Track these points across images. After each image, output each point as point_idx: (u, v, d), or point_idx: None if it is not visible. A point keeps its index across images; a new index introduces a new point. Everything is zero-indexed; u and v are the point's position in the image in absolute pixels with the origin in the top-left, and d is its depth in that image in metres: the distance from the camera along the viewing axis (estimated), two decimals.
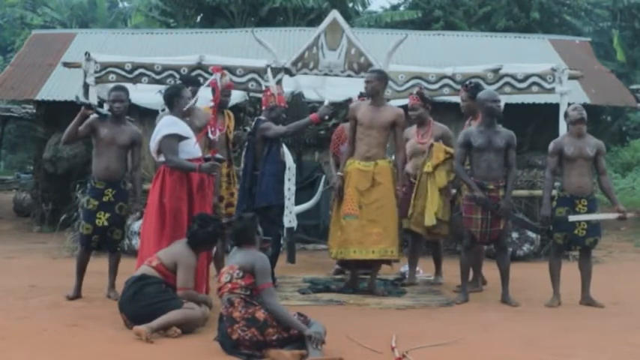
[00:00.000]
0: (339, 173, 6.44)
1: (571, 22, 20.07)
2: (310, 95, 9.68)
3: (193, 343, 4.62)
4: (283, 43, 12.14)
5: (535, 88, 8.01)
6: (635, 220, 11.62)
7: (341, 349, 4.43)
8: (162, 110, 6.20)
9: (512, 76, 7.91)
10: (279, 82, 7.35)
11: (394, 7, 21.76)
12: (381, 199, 6.14)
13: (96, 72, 7.60)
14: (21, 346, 4.54)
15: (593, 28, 20.67)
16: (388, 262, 6.36)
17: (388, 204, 6.17)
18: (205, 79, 6.92)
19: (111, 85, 6.61)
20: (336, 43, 7.67)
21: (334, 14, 7.83)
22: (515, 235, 8.62)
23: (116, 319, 5.03)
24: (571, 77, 8.30)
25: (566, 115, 6.22)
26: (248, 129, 6.87)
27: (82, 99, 6.37)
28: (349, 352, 4.41)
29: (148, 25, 19.75)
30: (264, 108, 6.56)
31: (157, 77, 7.59)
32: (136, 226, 8.13)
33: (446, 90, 7.93)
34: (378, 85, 6.23)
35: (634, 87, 15.05)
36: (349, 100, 7.05)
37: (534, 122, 11.54)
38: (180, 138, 5.42)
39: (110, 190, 5.88)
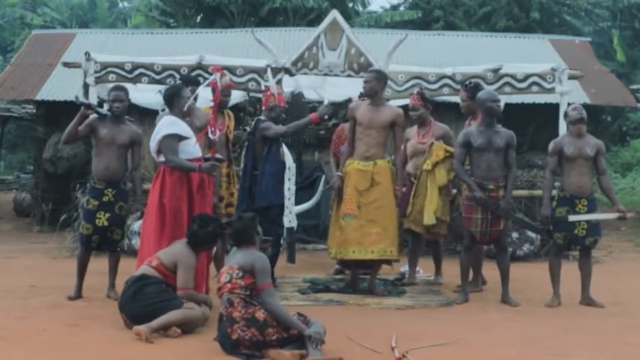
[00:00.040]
0: (338, 173, 6.45)
1: (571, 22, 20.07)
2: (310, 95, 9.68)
3: (193, 343, 4.62)
4: (283, 43, 12.14)
5: (535, 88, 8.00)
6: (635, 220, 11.62)
7: (341, 349, 4.43)
8: (162, 110, 6.20)
9: (512, 76, 7.91)
10: (279, 82, 7.34)
11: (394, 7, 21.76)
12: (380, 199, 6.14)
13: (96, 72, 7.61)
14: (21, 346, 4.54)
15: (593, 28, 20.67)
16: (388, 262, 6.36)
17: (387, 204, 6.16)
18: (205, 79, 6.92)
19: (111, 85, 6.61)
20: (336, 43, 7.67)
21: (334, 14, 7.83)
22: (515, 235, 8.62)
23: (116, 319, 5.03)
24: (571, 77, 8.31)
25: (566, 115, 6.22)
26: (248, 129, 6.87)
27: (82, 99, 6.37)
28: (349, 352, 4.41)
29: (148, 25, 19.75)
30: (264, 108, 6.56)
31: (157, 77, 7.59)
32: (136, 226, 8.14)
33: (446, 90, 7.93)
34: (376, 85, 6.23)
35: (634, 87, 15.06)
36: (349, 100, 7.05)
37: (534, 122, 11.54)
38: (180, 138, 5.42)
39: (110, 190, 5.88)
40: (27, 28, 21.58)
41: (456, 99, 7.41)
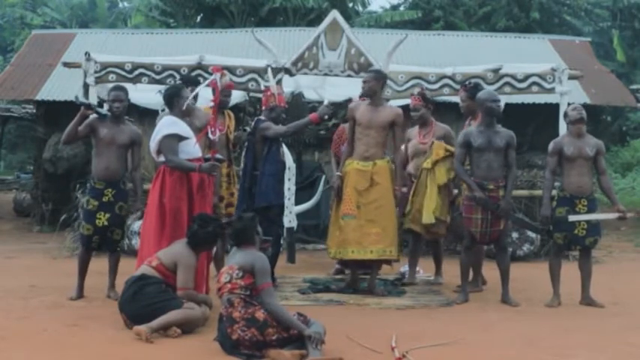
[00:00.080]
0: (337, 173, 6.45)
1: (571, 22, 20.07)
2: (310, 95, 9.68)
3: (193, 343, 4.62)
4: (283, 43, 12.14)
5: (535, 88, 8.00)
6: (635, 220, 11.62)
7: (341, 349, 4.43)
8: (162, 110, 6.20)
9: (512, 76, 7.91)
10: (279, 82, 7.34)
11: (394, 7, 21.76)
12: (379, 199, 6.14)
13: (96, 72, 7.61)
14: (21, 346, 4.54)
15: (593, 28, 20.65)
16: (388, 262, 6.36)
17: (387, 204, 6.16)
18: (205, 79, 6.92)
19: (111, 85, 6.62)
20: (336, 43, 7.67)
21: (334, 14, 7.83)
22: (515, 235, 8.62)
23: (116, 319, 5.03)
24: (571, 77, 8.30)
25: (565, 115, 6.22)
26: (248, 129, 6.88)
27: (82, 99, 6.37)
28: (349, 352, 4.41)
29: (148, 25, 19.75)
30: (264, 108, 6.57)
31: (157, 77, 7.60)
32: (136, 226, 8.14)
33: (446, 90, 7.92)
34: (375, 85, 6.23)
35: (634, 87, 15.06)
36: (349, 100, 7.06)
37: (534, 122, 11.54)
38: (180, 138, 5.42)
39: (110, 190, 5.88)
40: (27, 28, 21.59)
41: (456, 99, 7.40)
